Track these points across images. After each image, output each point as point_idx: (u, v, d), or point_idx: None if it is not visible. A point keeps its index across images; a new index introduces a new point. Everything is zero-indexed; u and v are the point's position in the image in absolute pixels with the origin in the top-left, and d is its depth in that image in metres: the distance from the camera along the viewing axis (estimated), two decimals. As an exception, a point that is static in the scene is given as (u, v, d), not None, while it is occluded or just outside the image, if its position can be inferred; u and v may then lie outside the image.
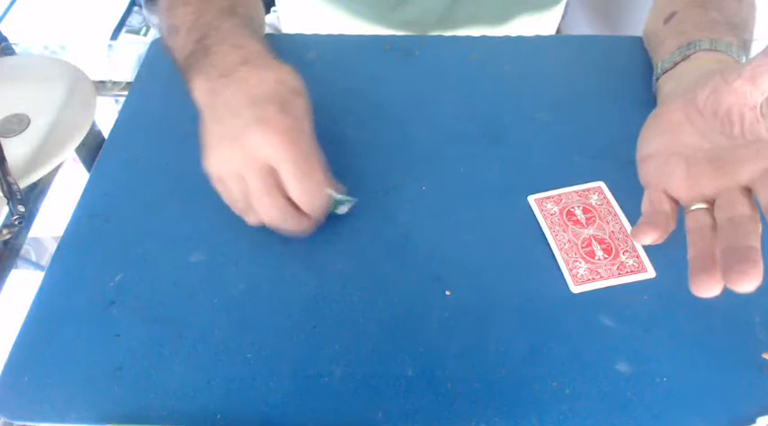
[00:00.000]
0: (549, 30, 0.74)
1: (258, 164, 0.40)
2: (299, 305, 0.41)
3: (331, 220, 0.45)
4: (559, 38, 0.68)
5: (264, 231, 0.45)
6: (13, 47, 0.91)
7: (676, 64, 0.47)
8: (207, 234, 0.45)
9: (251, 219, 0.43)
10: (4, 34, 0.90)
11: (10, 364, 0.39)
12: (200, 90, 0.43)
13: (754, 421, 0.35)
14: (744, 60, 0.45)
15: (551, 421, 0.36)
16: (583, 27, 0.98)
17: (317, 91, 0.56)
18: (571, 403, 0.36)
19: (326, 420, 0.36)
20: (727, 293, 0.41)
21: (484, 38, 0.61)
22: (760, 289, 0.41)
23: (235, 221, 0.45)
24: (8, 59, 0.88)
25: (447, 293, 0.41)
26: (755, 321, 0.39)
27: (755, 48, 0.51)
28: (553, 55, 0.59)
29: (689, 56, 0.46)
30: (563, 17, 0.76)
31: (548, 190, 0.47)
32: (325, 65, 0.58)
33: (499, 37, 0.62)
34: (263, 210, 0.41)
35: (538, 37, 0.63)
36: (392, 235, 0.44)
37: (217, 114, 0.42)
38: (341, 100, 0.55)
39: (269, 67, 0.43)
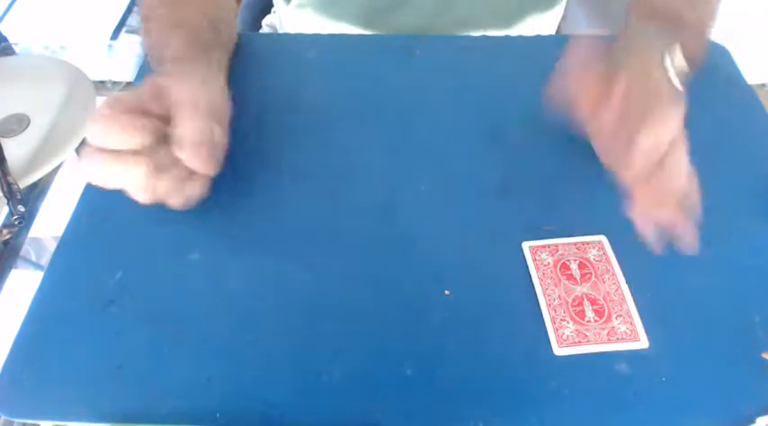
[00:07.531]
0: (549, 30, 0.74)
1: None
2: (299, 305, 0.41)
3: (331, 220, 0.45)
4: (559, 38, 0.68)
5: (264, 230, 0.45)
6: (13, 47, 0.91)
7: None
8: (206, 232, 0.45)
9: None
10: (4, 34, 0.90)
11: (10, 362, 0.39)
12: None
13: (753, 421, 0.35)
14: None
15: (551, 421, 0.36)
16: (583, 27, 0.98)
17: (316, 91, 0.56)
18: (571, 403, 0.36)
19: (326, 419, 0.36)
20: (727, 293, 0.41)
21: (484, 38, 0.61)
22: (760, 289, 0.41)
23: (234, 220, 0.45)
24: (8, 59, 0.88)
25: (447, 293, 0.41)
26: (755, 321, 0.39)
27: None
28: (553, 55, 0.58)
29: None
30: (563, 17, 0.76)
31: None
32: (326, 65, 0.58)
33: (499, 37, 0.62)
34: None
35: (538, 37, 0.63)
36: (392, 235, 0.44)
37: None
38: (341, 100, 0.55)
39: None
